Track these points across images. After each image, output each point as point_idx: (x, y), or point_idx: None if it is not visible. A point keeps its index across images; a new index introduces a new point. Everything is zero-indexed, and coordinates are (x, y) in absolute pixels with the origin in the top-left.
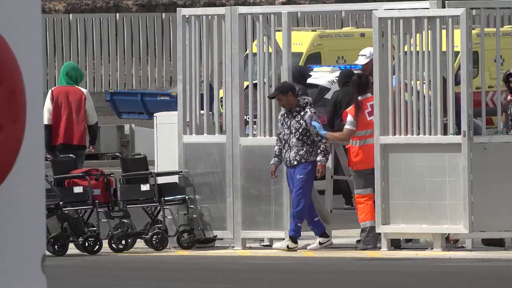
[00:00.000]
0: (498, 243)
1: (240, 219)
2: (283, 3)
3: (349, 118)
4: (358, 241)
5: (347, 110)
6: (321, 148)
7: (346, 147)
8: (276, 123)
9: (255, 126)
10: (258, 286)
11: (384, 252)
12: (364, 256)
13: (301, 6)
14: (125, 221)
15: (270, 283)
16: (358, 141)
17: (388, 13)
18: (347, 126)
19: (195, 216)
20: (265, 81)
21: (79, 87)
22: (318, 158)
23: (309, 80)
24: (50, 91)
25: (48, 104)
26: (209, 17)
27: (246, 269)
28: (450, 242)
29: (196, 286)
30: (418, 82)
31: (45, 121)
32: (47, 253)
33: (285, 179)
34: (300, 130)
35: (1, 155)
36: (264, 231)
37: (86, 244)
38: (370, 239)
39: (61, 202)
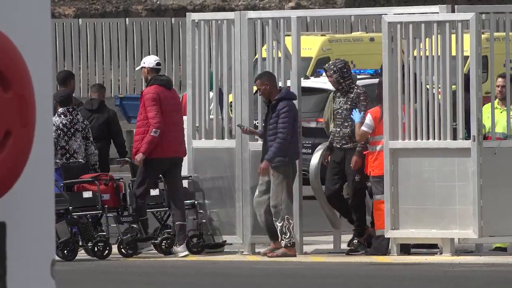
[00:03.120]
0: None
1: (249, 224)
2: (293, 8)
3: (369, 120)
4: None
5: (370, 110)
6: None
7: (364, 153)
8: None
9: None
10: None
11: (393, 257)
12: (373, 261)
13: (311, 11)
14: (135, 226)
15: None
16: (377, 146)
17: (397, 18)
18: (364, 128)
19: (204, 221)
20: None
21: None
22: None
23: (318, 85)
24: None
25: None
26: (219, 21)
27: (255, 274)
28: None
29: None
30: (427, 86)
31: None
32: (57, 258)
33: (295, 184)
34: None
35: (11, 160)
36: None
37: (96, 249)
38: (382, 246)
39: (70, 207)
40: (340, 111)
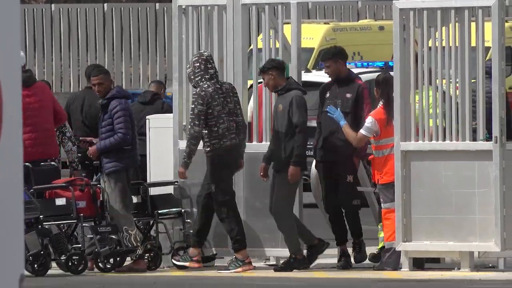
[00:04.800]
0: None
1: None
2: None
3: (370, 122)
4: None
5: (372, 112)
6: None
7: (369, 158)
8: None
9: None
10: None
11: (405, 272)
12: (384, 277)
13: None
14: (114, 237)
15: None
16: (384, 150)
17: (410, 4)
18: (363, 132)
19: (192, 231)
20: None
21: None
22: None
23: (321, 79)
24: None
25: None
26: (209, 7)
27: None
28: None
29: None
30: (444, 81)
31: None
32: (26, 273)
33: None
34: None
35: None
36: (269, 248)
37: (70, 263)
38: (392, 261)
39: (41, 216)
40: None
